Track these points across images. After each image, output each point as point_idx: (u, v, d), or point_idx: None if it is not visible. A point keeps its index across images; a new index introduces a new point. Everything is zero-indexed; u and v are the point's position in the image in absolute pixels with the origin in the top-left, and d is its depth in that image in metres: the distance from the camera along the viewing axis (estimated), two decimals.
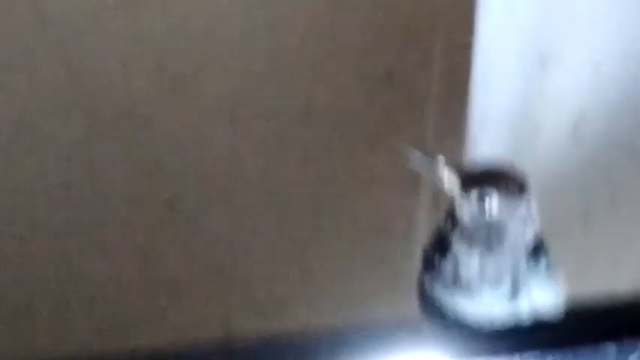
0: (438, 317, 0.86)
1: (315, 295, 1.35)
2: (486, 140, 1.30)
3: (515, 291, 0.84)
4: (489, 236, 0.85)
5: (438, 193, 1.32)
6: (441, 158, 0.87)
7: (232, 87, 1.26)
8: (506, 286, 0.84)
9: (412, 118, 1.30)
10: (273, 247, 1.33)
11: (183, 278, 1.33)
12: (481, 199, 0.85)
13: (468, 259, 0.85)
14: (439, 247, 0.87)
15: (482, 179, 0.86)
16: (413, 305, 1.20)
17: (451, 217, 0.87)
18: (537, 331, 0.77)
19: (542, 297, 0.85)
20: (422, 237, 1.33)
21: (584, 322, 0.78)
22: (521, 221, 0.85)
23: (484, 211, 0.84)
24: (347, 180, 1.32)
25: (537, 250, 0.86)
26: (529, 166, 1.32)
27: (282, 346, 0.75)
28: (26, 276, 1.31)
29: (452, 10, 1.26)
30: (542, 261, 0.86)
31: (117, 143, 1.26)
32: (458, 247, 0.85)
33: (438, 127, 1.30)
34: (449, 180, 0.87)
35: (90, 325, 1.35)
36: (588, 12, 1.28)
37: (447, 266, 0.86)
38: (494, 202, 0.84)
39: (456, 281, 0.85)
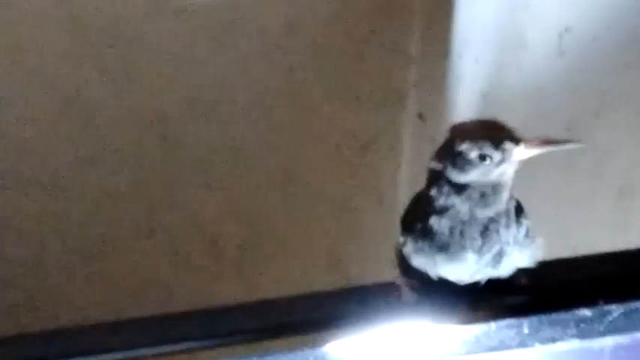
0: (419, 281, 0.86)
1: (299, 206, 1.36)
2: (471, 55, 1.30)
3: (499, 257, 0.84)
4: (478, 200, 0.83)
5: (424, 109, 1.34)
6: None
7: (219, 8, 1.25)
8: (491, 252, 0.83)
9: (397, 34, 1.30)
10: (258, 161, 1.34)
11: (170, 194, 1.34)
12: (480, 153, 0.82)
13: (454, 226, 0.83)
14: (422, 212, 0.85)
15: (477, 133, 0.83)
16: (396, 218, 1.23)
17: (436, 180, 0.84)
18: (515, 297, 0.80)
19: (522, 262, 0.85)
20: (407, 152, 1.34)
21: (561, 288, 0.80)
22: (508, 183, 0.84)
23: (480, 166, 0.82)
24: (332, 96, 1.31)
25: (518, 213, 0.85)
26: (514, 79, 1.33)
27: (264, 312, 0.78)
28: None
29: None
30: (523, 224, 0.85)
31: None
32: (444, 212, 0.83)
33: (423, 44, 1.29)
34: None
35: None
36: None
37: (431, 232, 0.83)
38: (491, 156, 0.82)
39: (439, 248, 0.83)
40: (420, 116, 1.32)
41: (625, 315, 0.79)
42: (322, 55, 1.29)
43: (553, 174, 1.36)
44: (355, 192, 1.35)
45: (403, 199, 1.34)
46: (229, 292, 1.36)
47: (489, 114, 1.32)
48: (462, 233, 0.82)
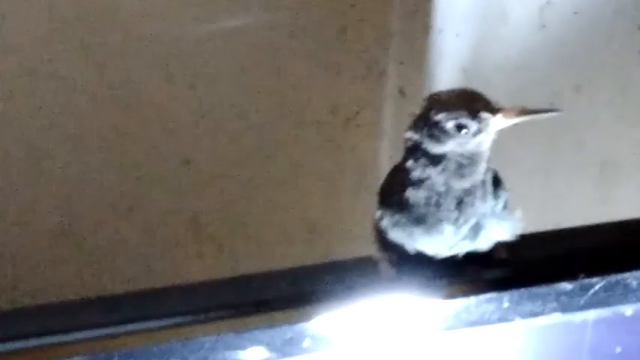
0: (397, 256, 0.86)
1: (279, 182, 1.36)
2: (451, 29, 1.29)
3: (477, 229, 0.83)
4: (454, 172, 0.81)
5: (405, 84, 1.33)
6: None
7: None
8: (468, 225, 0.82)
9: (377, 8, 1.29)
10: (238, 137, 1.33)
11: (151, 173, 1.33)
12: (456, 123, 0.80)
13: (430, 198, 0.81)
14: (399, 185, 0.83)
15: (454, 103, 0.81)
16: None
17: (412, 151, 0.83)
18: (495, 271, 0.80)
19: (501, 235, 0.85)
20: (389, 127, 1.33)
21: (541, 261, 0.80)
22: (485, 154, 0.82)
23: (456, 137, 0.80)
24: (313, 71, 1.31)
25: (496, 185, 0.84)
26: (496, 53, 1.33)
27: (241, 288, 0.78)
28: None
29: None
30: (501, 197, 0.84)
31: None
32: (420, 185, 0.81)
33: (403, 18, 1.29)
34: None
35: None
36: None
37: (407, 205, 0.82)
38: (468, 126, 0.80)
39: (416, 220, 0.82)
40: (401, 91, 1.31)
41: (606, 288, 0.79)
42: (302, 30, 1.28)
43: (535, 148, 1.36)
44: (336, 168, 1.35)
45: (384, 174, 1.34)
46: (210, 268, 1.35)
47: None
48: (437, 205, 0.81)
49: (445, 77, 1.31)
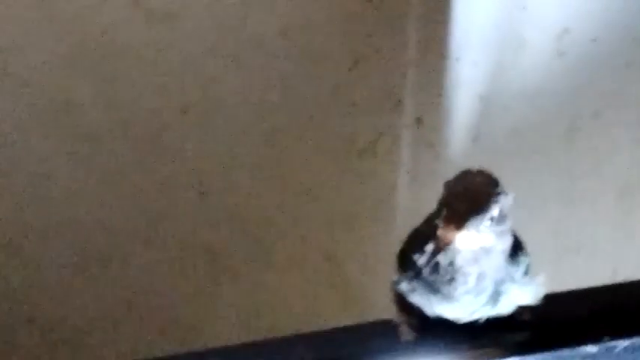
0: (417, 320, 0.85)
1: (296, 213, 1.35)
2: (469, 58, 1.28)
3: (497, 295, 0.82)
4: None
5: (422, 113, 1.32)
6: None
7: (210, 15, 1.24)
8: (485, 293, 0.80)
9: (393, 39, 1.27)
10: (253, 168, 1.32)
11: (166, 205, 1.32)
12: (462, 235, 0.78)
13: (446, 266, 0.79)
14: (417, 251, 0.81)
15: (460, 212, 0.77)
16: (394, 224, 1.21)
17: (433, 226, 0.79)
18: (518, 334, 0.79)
19: (523, 299, 0.83)
20: (406, 157, 1.32)
21: (564, 323, 0.79)
22: (500, 230, 0.79)
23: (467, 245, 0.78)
24: (329, 101, 1.30)
25: (516, 251, 0.83)
26: (514, 81, 1.31)
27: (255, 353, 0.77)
28: None
29: None
30: (521, 263, 0.83)
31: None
32: (438, 255, 0.80)
33: (420, 48, 1.27)
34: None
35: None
36: None
37: (427, 272, 0.80)
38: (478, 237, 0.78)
39: (435, 287, 0.81)
40: (419, 120, 1.30)
41: (631, 349, 0.78)
42: (318, 61, 1.27)
43: (554, 175, 1.35)
44: (353, 197, 1.34)
45: (402, 204, 1.34)
46: (227, 300, 1.35)
47: (488, 117, 1.31)
48: (453, 274, 0.80)
49: (463, 106, 1.30)
